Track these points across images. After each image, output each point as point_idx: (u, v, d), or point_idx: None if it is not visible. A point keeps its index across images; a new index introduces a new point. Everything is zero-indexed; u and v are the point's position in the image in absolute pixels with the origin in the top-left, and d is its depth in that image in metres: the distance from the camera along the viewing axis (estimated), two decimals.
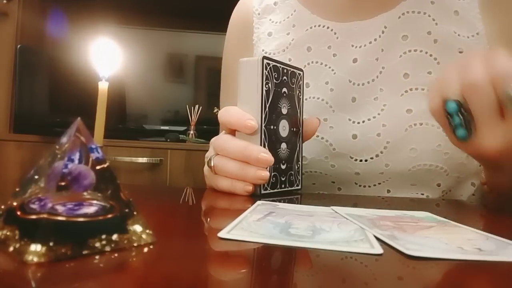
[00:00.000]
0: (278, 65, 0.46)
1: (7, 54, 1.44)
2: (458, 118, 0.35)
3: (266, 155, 0.41)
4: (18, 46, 1.44)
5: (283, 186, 0.47)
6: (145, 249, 0.21)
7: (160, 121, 1.76)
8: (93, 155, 0.22)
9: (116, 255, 0.20)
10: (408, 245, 0.23)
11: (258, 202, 0.37)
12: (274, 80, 0.45)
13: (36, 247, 0.18)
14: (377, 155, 0.52)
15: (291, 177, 0.48)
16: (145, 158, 1.40)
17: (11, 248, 0.19)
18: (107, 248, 0.20)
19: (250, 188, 0.42)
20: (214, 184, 0.46)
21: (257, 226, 0.26)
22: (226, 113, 0.44)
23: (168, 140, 1.52)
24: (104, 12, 1.72)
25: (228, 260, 0.21)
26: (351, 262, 0.21)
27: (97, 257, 0.19)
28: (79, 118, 0.22)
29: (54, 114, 1.48)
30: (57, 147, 0.22)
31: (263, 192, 0.43)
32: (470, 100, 0.34)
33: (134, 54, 1.72)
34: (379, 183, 0.54)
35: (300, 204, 0.41)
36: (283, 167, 0.47)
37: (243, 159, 0.42)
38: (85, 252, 0.19)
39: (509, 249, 0.24)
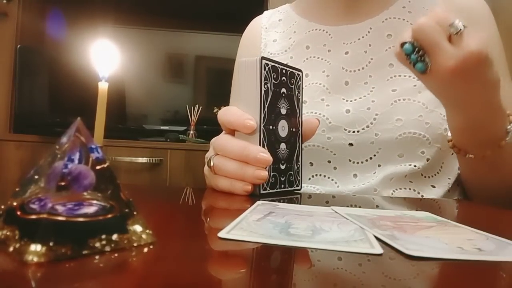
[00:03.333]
0: (277, 65, 0.46)
1: (7, 54, 1.44)
2: (414, 56, 0.43)
3: (264, 155, 0.42)
4: (18, 46, 1.44)
5: (282, 186, 0.47)
6: (145, 249, 0.21)
7: (160, 121, 1.76)
8: (93, 155, 0.22)
9: (116, 255, 0.20)
10: (408, 245, 0.23)
11: (258, 202, 0.37)
12: (273, 81, 0.45)
13: (36, 247, 0.18)
14: (367, 126, 0.59)
15: (291, 177, 0.48)
16: (145, 158, 1.40)
17: (11, 248, 0.19)
18: (107, 248, 0.20)
19: (249, 188, 0.42)
20: (214, 184, 0.46)
21: (257, 226, 0.26)
22: (225, 113, 0.45)
23: (168, 140, 1.52)
24: (104, 12, 1.72)
25: (228, 260, 0.21)
26: (351, 262, 0.21)
27: (97, 257, 0.19)
28: (79, 118, 0.22)
29: (54, 114, 1.48)
30: (57, 147, 0.22)
31: (262, 192, 0.43)
32: (419, 38, 0.42)
33: (134, 54, 1.72)
34: (370, 158, 0.59)
35: (300, 204, 0.41)
36: (282, 167, 0.47)
37: (242, 159, 0.43)
38: (85, 252, 0.19)
39: (509, 249, 0.24)
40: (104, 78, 0.30)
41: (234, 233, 0.24)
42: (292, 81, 0.49)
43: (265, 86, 0.44)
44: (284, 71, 0.47)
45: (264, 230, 0.25)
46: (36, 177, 0.21)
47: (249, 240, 0.23)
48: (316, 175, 0.62)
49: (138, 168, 1.41)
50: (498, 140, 0.49)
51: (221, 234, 0.24)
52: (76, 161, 0.21)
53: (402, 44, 0.44)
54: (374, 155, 0.59)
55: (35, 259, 0.17)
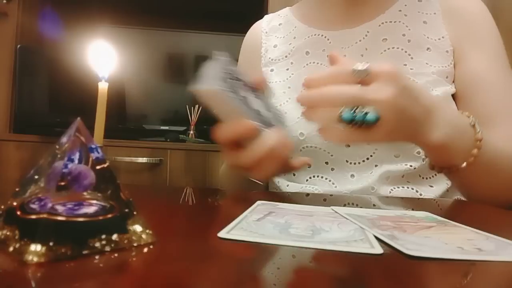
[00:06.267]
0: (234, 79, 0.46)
1: (7, 54, 1.44)
2: (360, 115, 0.40)
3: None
4: (18, 46, 1.44)
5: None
6: (145, 249, 0.21)
7: (160, 121, 1.76)
8: (93, 155, 0.22)
9: (116, 255, 0.20)
10: (408, 245, 0.23)
11: (258, 202, 0.37)
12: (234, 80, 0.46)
13: (36, 247, 0.18)
14: None
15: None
16: (145, 158, 1.40)
17: (11, 248, 0.19)
18: (107, 248, 0.20)
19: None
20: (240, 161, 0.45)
21: (257, 226, 0.26)
22: (221, 132, 0.45)
23: (168, 140, 1.52)
24: (104, 12, 1.72)
25: (228, 260, 0.21)
26: (351, 262, 0.21)
27: (97, 257, 0.19)
28: (79, 118, 0.22)
29: (54, 114, 1.48)
30: (57, 147, 0.22)
31: None
32: (346, 102, 0.40)
33: (133, 54, 1.72)
34: (367, 158, 0.60)
35: (300, 204, 0.41)
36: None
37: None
38: (85, 252, 0.19)
39: (509, 249, 0.24)
40: (104, 78, 0.30)
41: (234, 233, 0.24)
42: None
43: (233, 90, 0.44)
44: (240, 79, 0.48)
45: (264, 230, 0.25)
46: (36, 177, 0.21)
47: (249, 240, 0.23)
48: (314, 176, 0.62)
49: (138, 168, 1.41)
50: (467, 151, 0.47)
51: (221, 234, 0.24)
52: (76, 161, 0.21)
53: (340, 118, 0.41)
54: (371, 156, 0.60)
55: (35, 259, 0.17)
